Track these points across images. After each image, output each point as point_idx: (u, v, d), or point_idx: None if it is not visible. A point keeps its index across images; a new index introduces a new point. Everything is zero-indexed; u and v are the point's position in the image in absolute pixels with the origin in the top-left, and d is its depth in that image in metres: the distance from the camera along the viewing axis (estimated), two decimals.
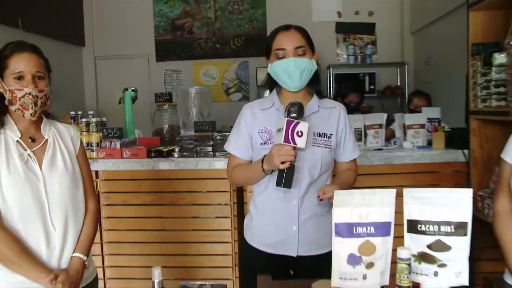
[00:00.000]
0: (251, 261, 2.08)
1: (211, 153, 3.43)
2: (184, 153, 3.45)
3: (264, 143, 1.98)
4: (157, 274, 1.26)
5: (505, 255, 1.81)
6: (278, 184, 1.82)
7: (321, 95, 2.08)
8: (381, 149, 3.37)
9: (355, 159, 2.13)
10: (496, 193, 1.89)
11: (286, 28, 1.99)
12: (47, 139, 1.86)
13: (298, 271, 1.98)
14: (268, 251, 2.04)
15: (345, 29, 6.77)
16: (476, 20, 2.99)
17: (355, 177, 2.10)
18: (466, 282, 1.35)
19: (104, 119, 3.60)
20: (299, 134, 1.76)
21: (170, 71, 7.17)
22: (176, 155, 3.46)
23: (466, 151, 3.20)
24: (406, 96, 6.60)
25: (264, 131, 2.00)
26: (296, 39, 1.95)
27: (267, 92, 2.15)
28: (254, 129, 2.02)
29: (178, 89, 6.48)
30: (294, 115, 1.77)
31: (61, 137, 1.91)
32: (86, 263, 1.87)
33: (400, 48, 6.92)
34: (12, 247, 1.69)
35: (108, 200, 3.39)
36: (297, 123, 1.76)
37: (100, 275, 3.37)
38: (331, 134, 2.01)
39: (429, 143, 3.50)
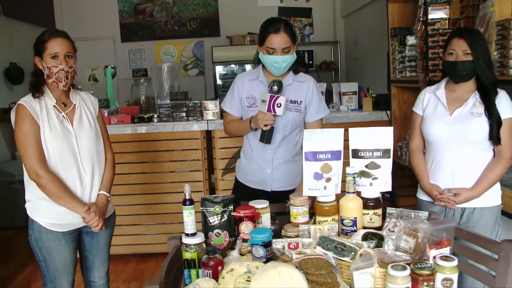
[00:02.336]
0: (238, 191, 2.42)
1: (185, 117, 3.69)
2: (163, 118, 3.71)
3: (250, 106, 2.28)
4: (187, 189, 1.61)
5: (418, 178, 2.21)
6: (261, 140, 2.19)
7: (296, 72, 2.31)
8: None
9: (320, 121, 2.35)
10: (411, 137, 2.29)
11: (276, 30, 2.13)
12: (74, 104, 2.12)
13: (272, 201, 2.20)
14: (250, 186, 2.38)
15: (287, 13, 6.89)
16: (393, 10, 3.41)
17: None
18: (389, 188, 1.75)
19: (91, 92, 3.73)
20: (278, 105, 2.06)
21: (134, 51, 7.15)
22: (155, 120, 3.71)
23: (388, 112, 3.63)
24: (339, 69, 6.99)
25: (250, 97, 2.28)
26: (284, 41, 2.13)
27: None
28: (243, 94, 2.31)
29: (141, 66, 6.56)
30: (276, 89, 2.09)
31: (85, 103, 2.18)
32: (109, 198, 2.18)
33: (333, 29, 7.17)
34: (57, 186, 1.98)
35: None
36: (277, 97, 2.07)
37: None
38: (301, 101, 2.27)
39: (360, 106, 3.90)
